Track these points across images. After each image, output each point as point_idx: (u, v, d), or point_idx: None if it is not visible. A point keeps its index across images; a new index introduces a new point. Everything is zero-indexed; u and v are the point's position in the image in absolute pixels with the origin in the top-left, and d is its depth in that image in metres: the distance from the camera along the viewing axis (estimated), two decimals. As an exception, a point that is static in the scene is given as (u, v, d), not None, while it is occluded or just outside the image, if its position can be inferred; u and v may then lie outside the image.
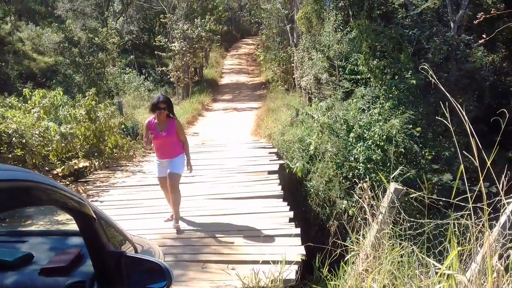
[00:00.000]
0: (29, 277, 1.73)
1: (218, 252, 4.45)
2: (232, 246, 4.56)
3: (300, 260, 4.11)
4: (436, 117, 2.79)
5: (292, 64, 14.97)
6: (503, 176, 1.89)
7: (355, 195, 3.47)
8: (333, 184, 7.11)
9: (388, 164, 6.22)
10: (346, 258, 3.20)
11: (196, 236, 4.90)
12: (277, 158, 8.43)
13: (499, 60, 11.16)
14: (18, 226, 2.62)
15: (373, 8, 10.20)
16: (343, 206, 6.57)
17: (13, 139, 6.54)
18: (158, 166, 5.01)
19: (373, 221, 3.09)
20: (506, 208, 1.94)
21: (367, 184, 3.21)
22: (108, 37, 17.17)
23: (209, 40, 18.08)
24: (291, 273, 3.82)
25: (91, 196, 6.51)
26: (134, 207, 5.95)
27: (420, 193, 2.72)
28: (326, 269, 3.49)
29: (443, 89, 2.24)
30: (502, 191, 1.89)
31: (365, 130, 7.01)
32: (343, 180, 6.95)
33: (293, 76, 14.49)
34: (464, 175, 2.11)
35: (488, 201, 2.00)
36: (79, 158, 8.02)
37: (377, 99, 7.93)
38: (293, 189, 7.90)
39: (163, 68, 17.82)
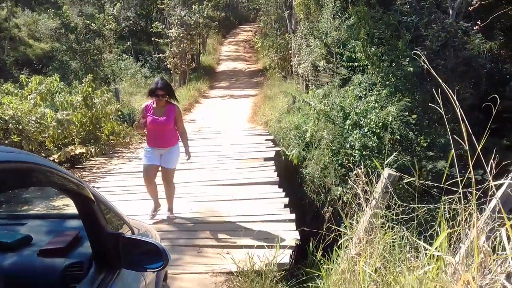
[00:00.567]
0: (28, 258, 1.77)
1: (214, 237, 4.51)
2: (228, 231, 4.62)
3: (294, 244, 4.18)
4: (431, 105, 2.81)
5: (290, 51, 14.89)
6: (492, 160, 1.93)
7: (350, 181, 3.51)
8: (329, 171, 7.17)
9: (384, 151, 6.27)
10: (339, 243, 3.25)
11: (192, 221, 4.95)
12: (273, 145, 8.48)
13: (497, 47, 11.15)
14: (17, 209, 2.66)
15: (372, -6, 10.12)
16: (338, 192, 6.63)
17: (10, 125, 6.55)
18: (147, 153, 4.63)
19: (366, 206, 3.14)
20: (494, 191, 1.99)
21: (361, 170, 3.24)
22: (105, 23, 17.05)
23: (206, 27, 17.89)
24: (285, 257, 3.89)
25: (87, 182, 6.52)
26: (130, 193, 5.99)
27: (412, 179, 2.77)
28: (320, 254, 3.56)
29: (436, 75, 2.26)
30: (490, 175, 1.93)
31: (361, 117, 7.03)
32: (339, 167, 7.00)
33: (291, 63, 14.42)
34: (455, 161, 2.14)
35: (479, 186, 2.05)
36: (76, 145, 8.04)
37: (374, 87, 7.93)
38: (289, 176, 7.95)
39: (160, 55, 17.71)
